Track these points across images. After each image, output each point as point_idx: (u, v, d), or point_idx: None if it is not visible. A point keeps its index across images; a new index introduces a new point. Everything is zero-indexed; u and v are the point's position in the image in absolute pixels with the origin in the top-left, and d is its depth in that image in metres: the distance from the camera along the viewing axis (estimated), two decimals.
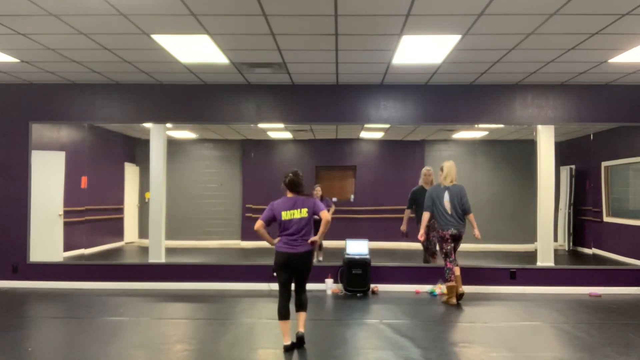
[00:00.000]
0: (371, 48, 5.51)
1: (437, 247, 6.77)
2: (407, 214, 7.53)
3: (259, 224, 4.51)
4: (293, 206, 4.53)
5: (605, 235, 8.56)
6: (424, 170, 7.58)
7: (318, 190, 8.42)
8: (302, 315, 4.63)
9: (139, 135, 9.21)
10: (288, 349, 4.44)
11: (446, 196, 6.41)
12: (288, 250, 4.49)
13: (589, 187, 8.94)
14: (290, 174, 4.59)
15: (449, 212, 6.37)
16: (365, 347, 4.71)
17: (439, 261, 7.30)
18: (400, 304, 6.35)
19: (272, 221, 4.58)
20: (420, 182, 7.50)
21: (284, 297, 4.55)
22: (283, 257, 4.50)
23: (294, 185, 4.56)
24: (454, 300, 6.31)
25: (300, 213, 4.52)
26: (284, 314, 4.52)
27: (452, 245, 6.39)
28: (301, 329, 4.57)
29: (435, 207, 6.44)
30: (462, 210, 6.41)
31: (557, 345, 4.83)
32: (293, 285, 4.64)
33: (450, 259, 6.37)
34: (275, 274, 4.72)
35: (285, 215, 4.51)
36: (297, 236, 4.50)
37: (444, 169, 6.53)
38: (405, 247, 9.01)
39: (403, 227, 7.52)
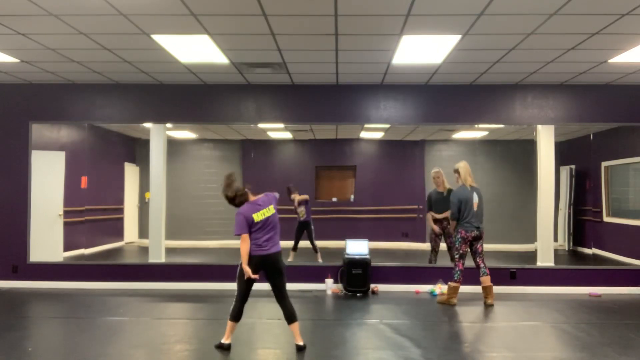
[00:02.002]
0: (371, 48, 5.51)
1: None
2: (430, 215, 7.51)
3: (244, 238, 4.36)
4: (260, 207, 4.46)
5: (605, 235, 8.55)
6: (432, 173, 7.57)
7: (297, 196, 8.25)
8: (296, 325, 4.48)
9: (139, 135, 9.21)
10: (225, 348, 4.46)
11: (475, 198, 6.34)
12: (262, 253, 4.40)
13: (589, 187, 8.93)
14: (226, 188, 4.52)
15: (475, 214, 6.31)
16: (365, 347, 4.71)
17: (440, 262, 7.32)
18: (400, 304, 6.36)
19: (251, 228, 4.43)
20: (433, 184, 7.51)
21: (243, 300, 4.47)
22: (258, 260, 4.38)
23: (232, 201, 4.49)
24: (454, 301, 6.30)
25: (269, 211, 4.49)
26: (238, 317, 4.47)
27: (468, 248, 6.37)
28: (300, 342, 4.46)
29: (460, 209, 6.30)
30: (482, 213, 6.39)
31: (557, 345, 4.83)
32: (274, 292, 4.50)
33: (464, 261, 6.34)
34: (238, 278, 4.47)
35: (257, 217, 4.42)
36: (268, 236, 4.44)
37: (461, 171, 6.40)
38: (405, 247, 9.02)
39: (436, 229, 7.42)
